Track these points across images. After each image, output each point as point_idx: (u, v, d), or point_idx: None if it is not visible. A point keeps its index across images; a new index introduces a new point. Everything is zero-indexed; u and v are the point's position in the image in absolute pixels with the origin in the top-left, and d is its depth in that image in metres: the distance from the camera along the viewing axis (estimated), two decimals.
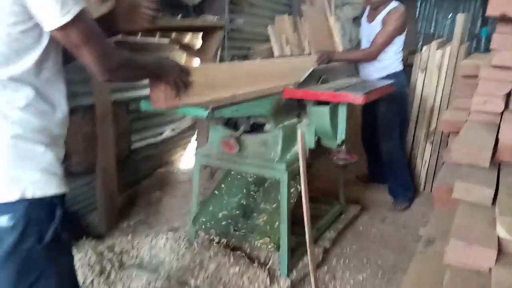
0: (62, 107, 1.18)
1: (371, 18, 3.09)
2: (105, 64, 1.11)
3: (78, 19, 1.03)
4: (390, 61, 3.04)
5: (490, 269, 1.30)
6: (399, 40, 3.01)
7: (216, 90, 1.82)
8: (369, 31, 3.07)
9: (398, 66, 3.09)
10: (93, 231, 2.63)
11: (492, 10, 1.81)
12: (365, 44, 3.19)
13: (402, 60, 3.13)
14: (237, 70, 2.07)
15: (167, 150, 3.63)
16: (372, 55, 2.99)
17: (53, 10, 1.00)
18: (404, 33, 3.03)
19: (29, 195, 1.06)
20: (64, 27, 1.03)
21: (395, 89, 2.80)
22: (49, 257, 1.12)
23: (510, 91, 1.89)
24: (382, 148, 3.16)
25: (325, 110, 2.16)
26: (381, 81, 2.66)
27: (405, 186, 3.24)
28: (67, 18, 1.01)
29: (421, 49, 3.48)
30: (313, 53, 3.70)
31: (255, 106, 1.98)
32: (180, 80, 1.52)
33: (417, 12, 6.85)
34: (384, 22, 2.95)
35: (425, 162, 3.48)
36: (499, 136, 1.70)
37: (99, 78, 1.15)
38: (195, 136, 3.81)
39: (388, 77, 2.99)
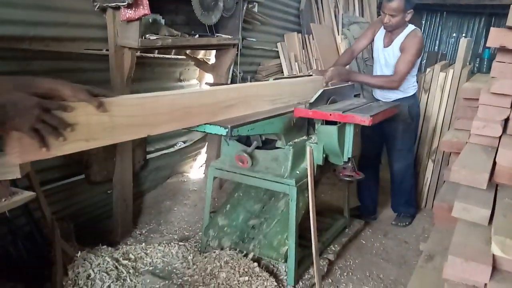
0: None
1: (387, 42, 3.01)
2: None
3: None
4: (407, 83, 3.01)
5: (485, 285, 1.39)
6: (416, 64, 2.97)
7: (116, 132, 1.35)
8: (385, 55, 3.02)
9: (413, 89, 3.08)
10: (108, 237, 2.75)
11: (492, 42, 1.93)
12: (379, 67, 3.12)
13: (417, 81, 3.13)
14: (152, 105, 1.50)
15: (178, 160, 3.75)
16: (395, 84, 2.91)
17: None
18: (421, 56, 3.01)
19: None
20: None
21: (412, 110, 2.83)
22: None
23: (508, 116, 2.01)
24: (394, 166, 3.18)
25: (333, 129, 2.29)
26: (387, 103, 2.73)
27: (408, 203, 3.32)
28: None
29: (425, 67, 3.59)
30: (327, 68, 3.69)
31: (268, 125, 2.10)
32: (45, 124, 1.07)
33: (422, 30, 7.00)
34: (403, 48, 2.88)
35: (427, 179, 3.60)
36: (497, 159, 1.79)
37: None
38: (205, 148, 3.94)
39: (403, 99, 2.99)
